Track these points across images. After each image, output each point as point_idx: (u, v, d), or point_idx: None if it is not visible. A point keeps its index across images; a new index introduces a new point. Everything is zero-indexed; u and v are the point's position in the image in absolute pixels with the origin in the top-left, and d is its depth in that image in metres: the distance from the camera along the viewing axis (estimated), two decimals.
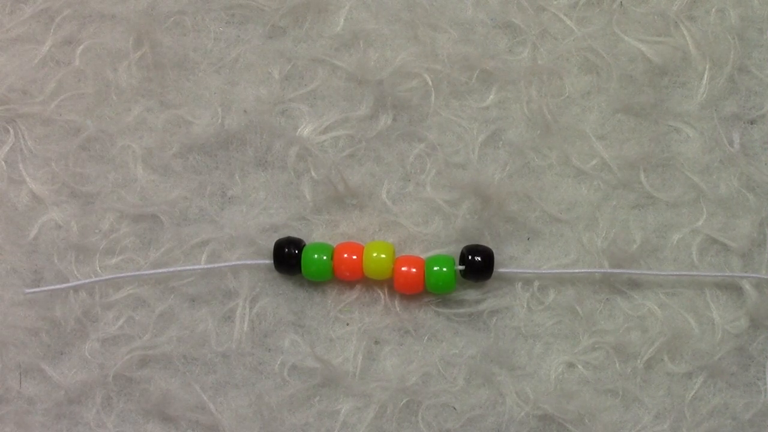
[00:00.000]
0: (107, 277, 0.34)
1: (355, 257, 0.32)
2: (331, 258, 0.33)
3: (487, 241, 0.34)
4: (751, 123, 0.34)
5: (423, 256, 0.33)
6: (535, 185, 0.34)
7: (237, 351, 0.33)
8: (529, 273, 0.33)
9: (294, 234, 0.34)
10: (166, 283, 0.34)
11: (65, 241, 0.34)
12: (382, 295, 0.34)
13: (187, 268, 0.34)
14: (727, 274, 0.33)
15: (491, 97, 0.34)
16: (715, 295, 0.34)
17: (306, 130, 0.34)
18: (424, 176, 0.34)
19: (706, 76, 0.34)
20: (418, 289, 0.33)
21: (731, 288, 0.34)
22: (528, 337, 0.34)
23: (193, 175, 0.34)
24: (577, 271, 0.33)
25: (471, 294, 0.34)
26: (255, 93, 0.34)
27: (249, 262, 0.34)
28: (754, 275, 0.33)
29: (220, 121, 0.34)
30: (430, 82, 0.34)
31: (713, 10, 0.35)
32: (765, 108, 0.34)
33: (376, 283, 0.33)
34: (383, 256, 0.32)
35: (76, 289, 0.34)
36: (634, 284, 0.34)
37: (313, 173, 0.34)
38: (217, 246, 0.34)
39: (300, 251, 0.33)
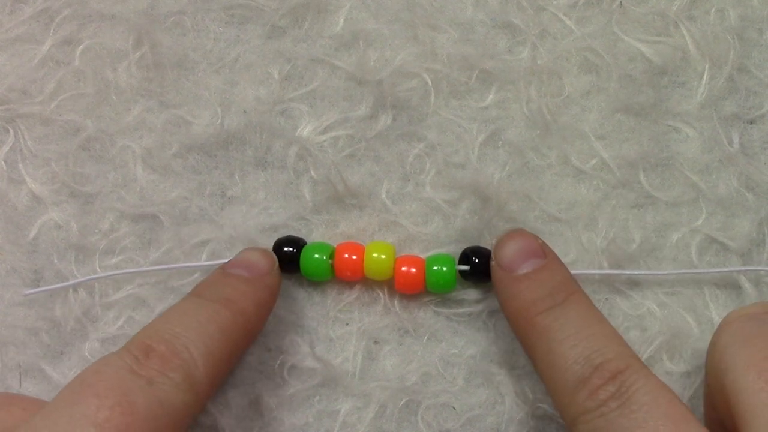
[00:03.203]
0: (104, 274, 0.33)
1: (355, 257, 0.32)
2: (331, 258, 0.33)
3: (486, 241, 0.34)
4: (751, 123, 0.35)
5: (423, 256, 0.33)
6: (534, 185, 0.34)
7: None
8: None
9: (293, 234, 0.34)
10: (166, 283, 0.34)
11: (65, 241, 0.34)
12: (381, 294, 0.34)
13: (187, 265, 0.34)
14: (725, 269, 0.33)
15: (491, 96, 0.34)
16: (714, 295, 0.34)
17: (306, 130, 0.34)
18: (424, 176, 0.34)
19: (705, 76, 0.34)
20: (418, 288, 0.33)
21: (730, 287, 0.34)
22: None
23: (193, 175, 0.34)
24: (576, 272, 0.33)
25: (471, 294, 0.34)
26: (255, 93, 0.34)
27: None
28: (752, 268, 0.33)
29: (219, 121, 0.34)
30: (430, 82, 0.34)
31: (713, 10, 0.35)
32: (764, 108, 0.34)
33: (375, 282, 0.33)
34: (383, 256, 0.32)
35: (75, 288, 0.34)
36: (634, 284, 0.34)
37: (312, 173, 0.34)
38: (217, 246, 0.34)
39: (299, 250, 0.33)
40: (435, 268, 0.32)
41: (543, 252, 0.30)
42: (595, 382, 0.25)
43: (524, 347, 0.29)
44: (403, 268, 0.32)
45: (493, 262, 0.30)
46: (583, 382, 0.26)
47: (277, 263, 0.32)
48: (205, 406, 0.27)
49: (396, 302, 0.34)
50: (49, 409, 0.24)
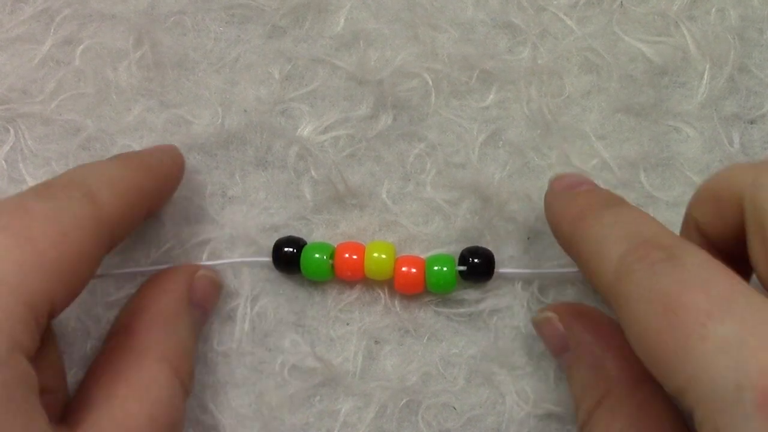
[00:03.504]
0: (105, 274, 0.33)
1: (356, 257, 0.32)
2: (332, 258, 0.33)
3: (487, 241, 0.34)
4: (751, 123, 0.35)
5: (423, 255, 0.33)
6: (535, 185, 0.34)
7: (238, 350, 0.33)
8: (529, 273, 0.33)
9: (294, 234, 0.34)
10: None
11: None
12: (382, 294, 0.34)
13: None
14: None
15: (491, 96, 0.34)
16: None
17: (306, 129, 0.34)
18: (425, 176, 0.34)
19: (706, 75, 0.34)
20: (418, 289, 0.33)
21: None
22: (528, 336, 0.34)
23: (194, 175, 0.34)
24: (576, 270, 0.33)
25: (471, 293, 0.34)
26: (255, 93, 0.34)
27: (254, 259, 0.34)
28: None
29: (220, 120, 0.34)
30: (430, 82, 0.34)
31: (713, 9, 0.35)
32: (765, 108, 0.34)
33: (376, 282, 0.33)
34: (384, 256, 0.32)
35: None
36: None
37: (313, 173, 0.34)
38: (217, 245, 0.34)
39: (300, 250, 0.33)
40: (435, 268, 0.32)
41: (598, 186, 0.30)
42: (646, 248, 0.23)
43: (571, 250, 0.28)
44: (404, 269, 0.32)
45: (549, 188, 0.30)
46: (632, 250, 0.24)
47: (176, 150, 0.33)
48: (117, 236, 0.28)
49: (396, 302, 0.34)
50: None
